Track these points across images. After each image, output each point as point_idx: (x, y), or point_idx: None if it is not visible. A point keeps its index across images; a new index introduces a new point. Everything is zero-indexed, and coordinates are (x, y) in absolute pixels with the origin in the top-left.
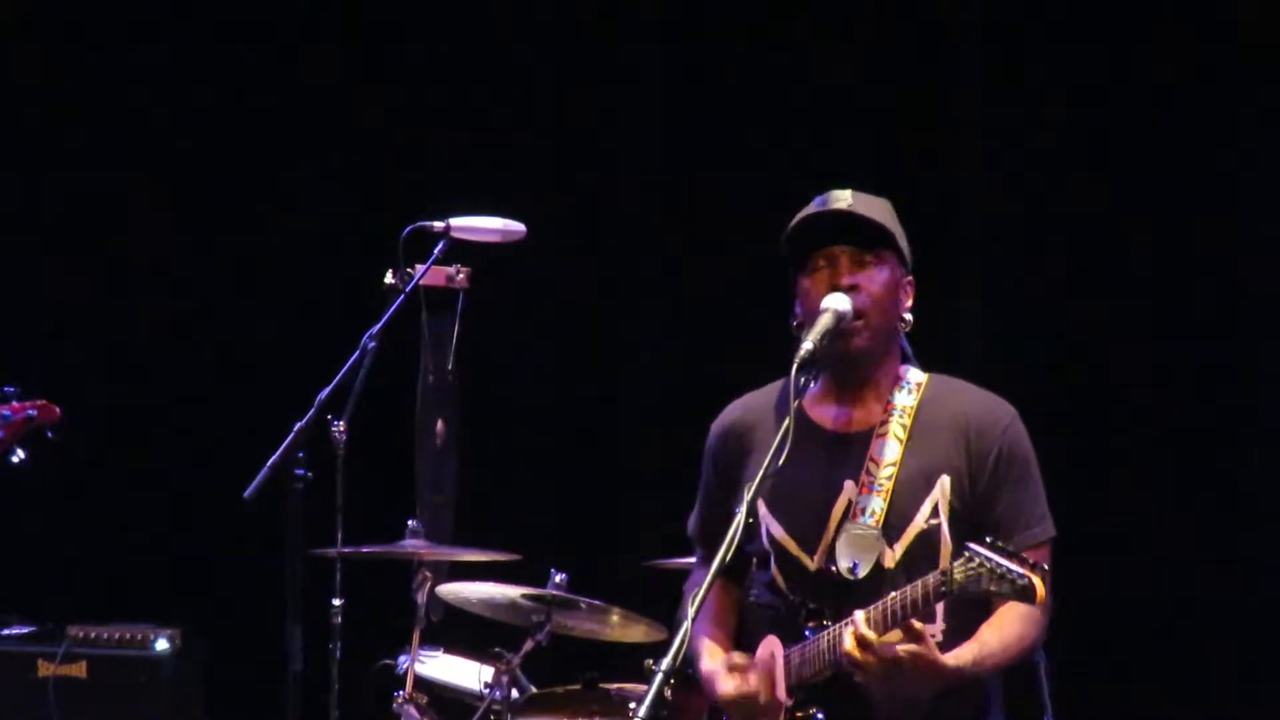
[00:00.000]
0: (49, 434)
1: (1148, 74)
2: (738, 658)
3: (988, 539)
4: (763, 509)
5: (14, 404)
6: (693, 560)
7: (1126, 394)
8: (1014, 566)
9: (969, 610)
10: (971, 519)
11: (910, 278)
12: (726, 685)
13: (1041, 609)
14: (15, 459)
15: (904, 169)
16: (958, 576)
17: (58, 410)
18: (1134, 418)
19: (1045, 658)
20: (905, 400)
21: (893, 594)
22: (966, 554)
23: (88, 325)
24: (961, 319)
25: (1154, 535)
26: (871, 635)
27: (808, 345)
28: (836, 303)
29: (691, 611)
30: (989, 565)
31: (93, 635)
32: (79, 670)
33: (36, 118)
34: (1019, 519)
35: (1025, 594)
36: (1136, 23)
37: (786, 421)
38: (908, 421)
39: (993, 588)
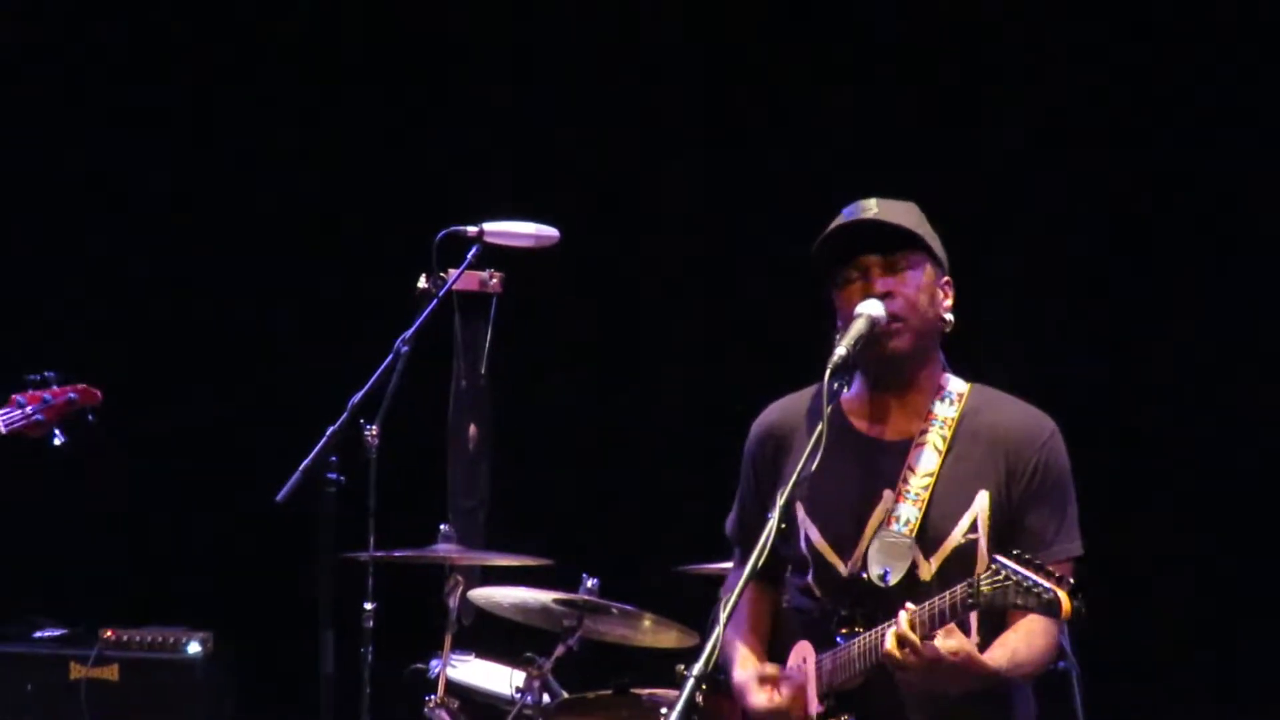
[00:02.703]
0: (90, 417)
1: (1186, 88)
2: (769, 669)
3: (1014, 551)
4: (801, 513)
5: (54, 388)
6: (726, 565)
7: (1157, 403)
8: (1040, 580)
9: (1002, 624)
10: (1005, 532)
11: (948, 278)
12: (758, 698)
13: (1060, 628)
14: (56, 441)
15: (937, 183)
16: (984, 588)
17: (98, 393)
18: (1167, 427)
19: (1078, 666)
20: (946, 411)
21: (922, 605)
22: (994, 566)
23: (119, 332)
24: (994, 330)
25: (1188, 544)
26: (914, 635)
27: (841, 351)
28: (870, 308)
29: (724, 616)
30: (1015, 578)
31: (125, 638)
32: (111, 673)
33: (91, 102)
34: (1047, 534)
35: (1050, 608)
36: (1177, 36)
37: (820, 427)
38: (948, 433)
39: (1019, 601)
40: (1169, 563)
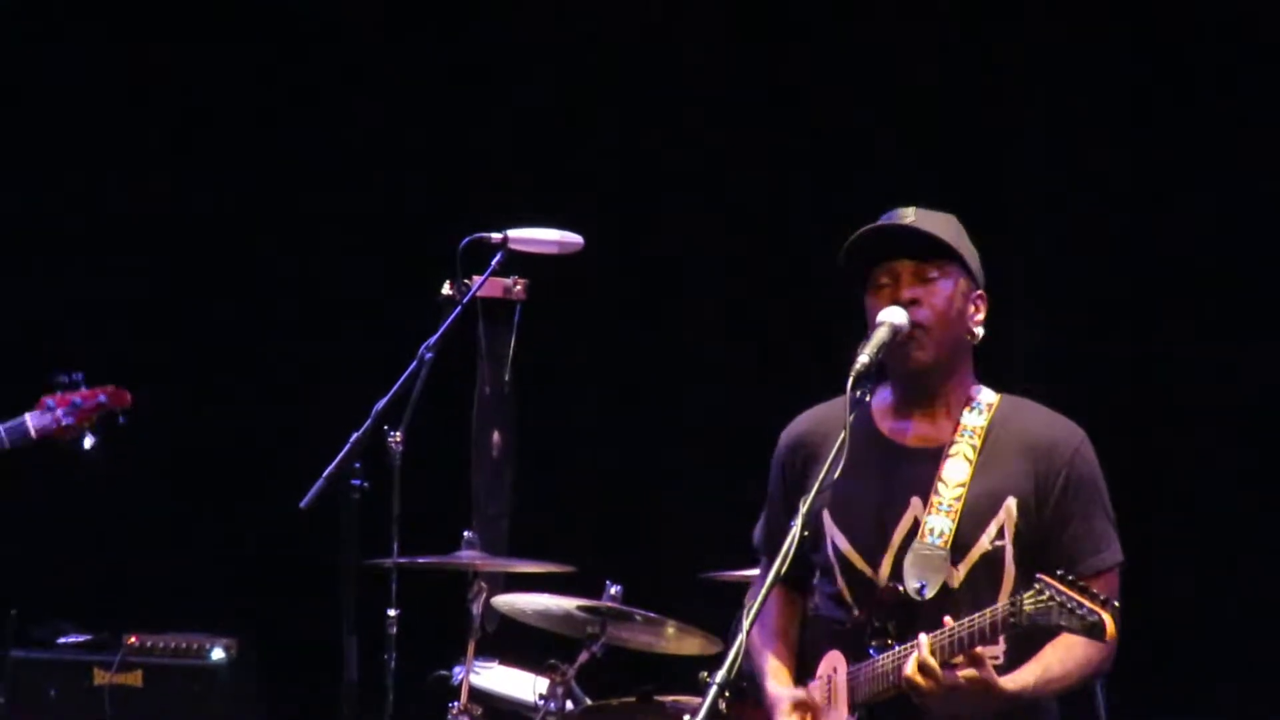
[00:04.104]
0: (120, 419)
1: (1209, 91)
2: (803, 692)
3: (1059, 571)
4: (827, 520)
5: (84, 390)
6: (749, 572)
7: (1180, 402)
8: (1084, 602)
9: (1031, 633)
10: (1037, 542)
11: (980, 291)
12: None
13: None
14: (87, 444)
15: (959, 188)
16: (1027, 608)
17: (128, 395)
18: (1192, 426)
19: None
20: (975, 421)
21: (960, 622)
22: (1037, 586)
23: (145, 337)
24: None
25: (1214, 551)
26: (933, 662)
27: (863, 358)
28: (892, 315)
29: (746, 623)
30: (1059, 599)
31: (149, 644)
32: (135, 679)
33: (129, 120)
34: (1085, 544)
35: (1094, 630)
36: (1197, 41)
37: (842, 434)
38: (977, 442)
39: (1062, 622)
40: (1196, 566)
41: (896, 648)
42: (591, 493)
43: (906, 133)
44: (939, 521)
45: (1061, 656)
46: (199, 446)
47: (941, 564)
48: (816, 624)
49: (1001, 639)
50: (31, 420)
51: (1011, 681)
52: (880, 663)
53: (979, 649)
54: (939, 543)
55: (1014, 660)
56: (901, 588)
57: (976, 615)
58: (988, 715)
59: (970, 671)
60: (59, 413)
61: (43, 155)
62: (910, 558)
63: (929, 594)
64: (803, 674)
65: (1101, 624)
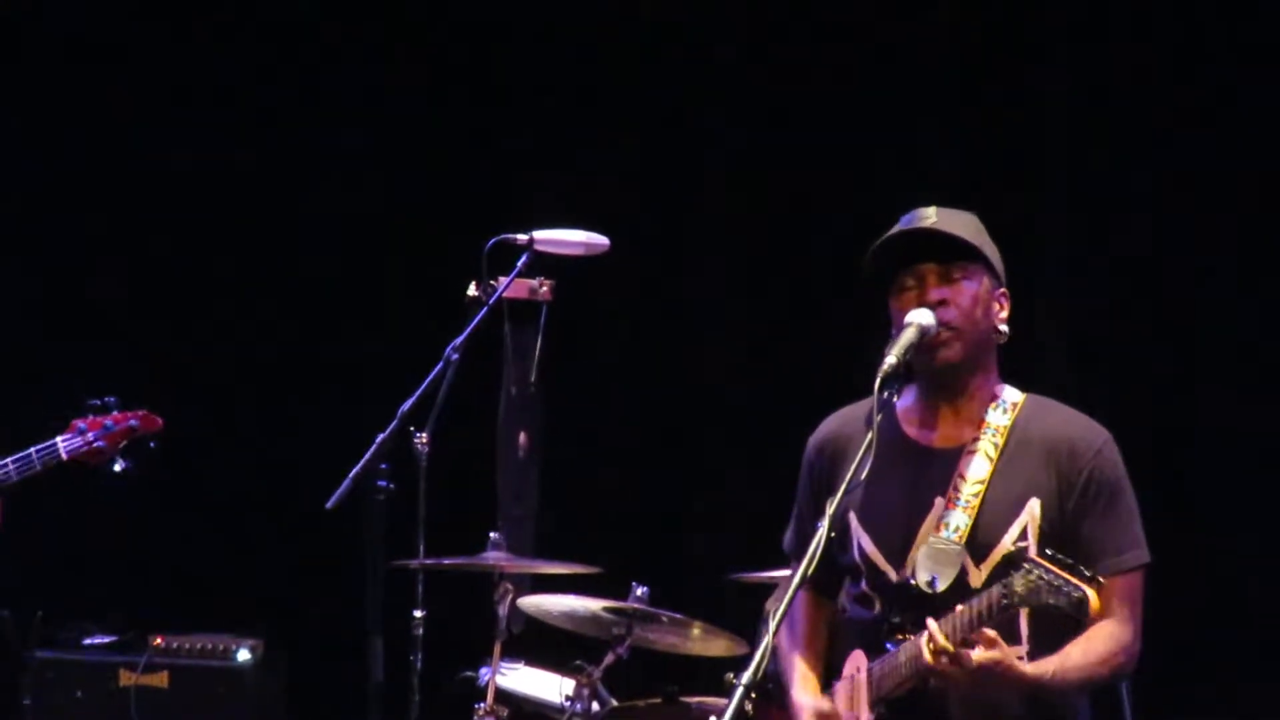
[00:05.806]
0: (151, 444)
1: (1242, 99)
2: (827, 704)
3: (1048, 551)
4: (854, 522)
5: (115, 414)
6: (775, 574)
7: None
8: (1069, 579)
9: (1054, 631)
10: (1060, 542)
11: (1004, 289)
12: None
13: (1132, 634)
14: (118, 468)
15: (988, 188)
16: (1018, 588)
17: (159, 420)
18: (1221, 427)
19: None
20: (999, 419)
21: (959, 607)
22: (1026, 566)
23: (167, 337)
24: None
25: (1240, 553)
26: (949, 645)
27: (890, 359)
28: (919, 317)
29: (773, 625)
30: (1047, 578)
31: (175, 645)
32: (161, 680)
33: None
34: (1108, 544)
35: (1079, 607)
36: (1236, 49)
37: (869, 436)
38: (1000, 441)
39: (1050, 600)
40: (1225, 567)
41: (909, 640)
42: (617, 493)
43: (928, 134)
44: (956, 517)
45: (1083, 649)
46: (224, 448)
47: (955, 557)
48: (846, 626)
49: (1024, 638)
50: (63, 443)
51: (1032, 667)
52: (895, 656)
53: (991, 632)
54: (954, 537)
55: (1036, 657)
56: (913, 581)
57: (975, 599)
58: (1008, 699)
59: (989, 653)
60: (90, 435)
61: (46, 159)
62: (923, 551)
63: (941, 586)
64: (831, 677)
65: (1084, 599)
